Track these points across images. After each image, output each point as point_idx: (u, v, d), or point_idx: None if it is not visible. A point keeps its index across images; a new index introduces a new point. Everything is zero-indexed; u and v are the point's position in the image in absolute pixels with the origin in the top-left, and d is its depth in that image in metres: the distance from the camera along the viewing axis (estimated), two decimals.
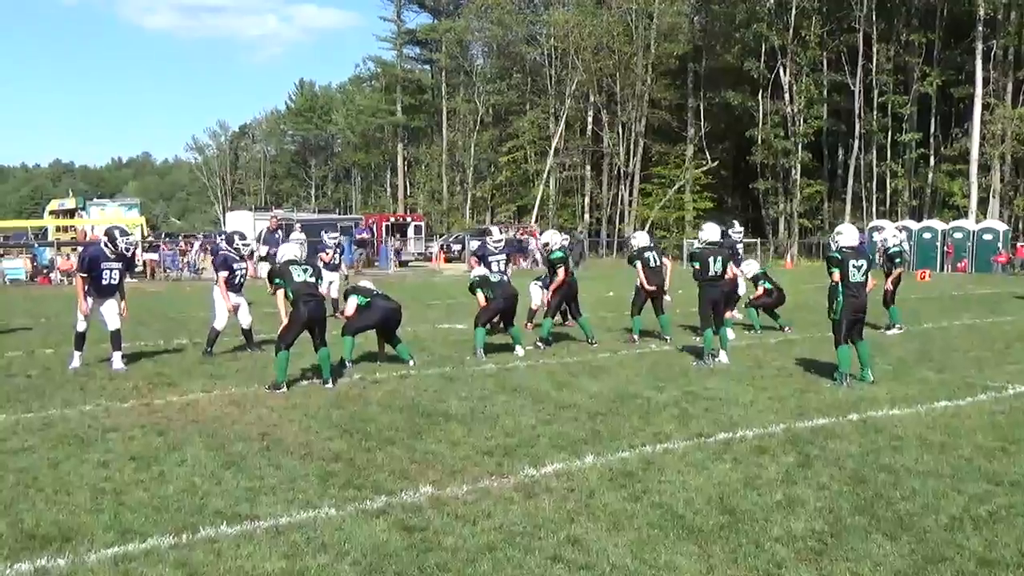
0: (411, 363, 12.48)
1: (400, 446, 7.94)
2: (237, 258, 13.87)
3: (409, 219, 52.31)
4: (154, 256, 37.51)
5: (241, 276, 13.88)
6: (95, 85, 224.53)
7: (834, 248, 11.38)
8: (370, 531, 5.80)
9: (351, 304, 12.74)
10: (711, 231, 13.47)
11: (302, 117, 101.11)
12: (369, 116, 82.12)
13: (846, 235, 11.51)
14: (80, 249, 17.57)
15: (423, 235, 51.53)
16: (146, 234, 41.06)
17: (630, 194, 60.15)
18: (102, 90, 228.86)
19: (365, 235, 45.88)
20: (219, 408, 9.59)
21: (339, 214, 70.58)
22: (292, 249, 11.58)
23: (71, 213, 45.22)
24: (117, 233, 12.53)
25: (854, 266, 11.07)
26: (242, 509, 6.24)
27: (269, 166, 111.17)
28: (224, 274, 13.66)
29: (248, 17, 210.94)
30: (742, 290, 16.27)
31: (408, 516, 6.09)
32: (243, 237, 14.52)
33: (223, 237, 16.05)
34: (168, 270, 37.50)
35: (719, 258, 12.86)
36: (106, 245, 12.36)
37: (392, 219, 51.99)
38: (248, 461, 7.44)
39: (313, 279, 10.95)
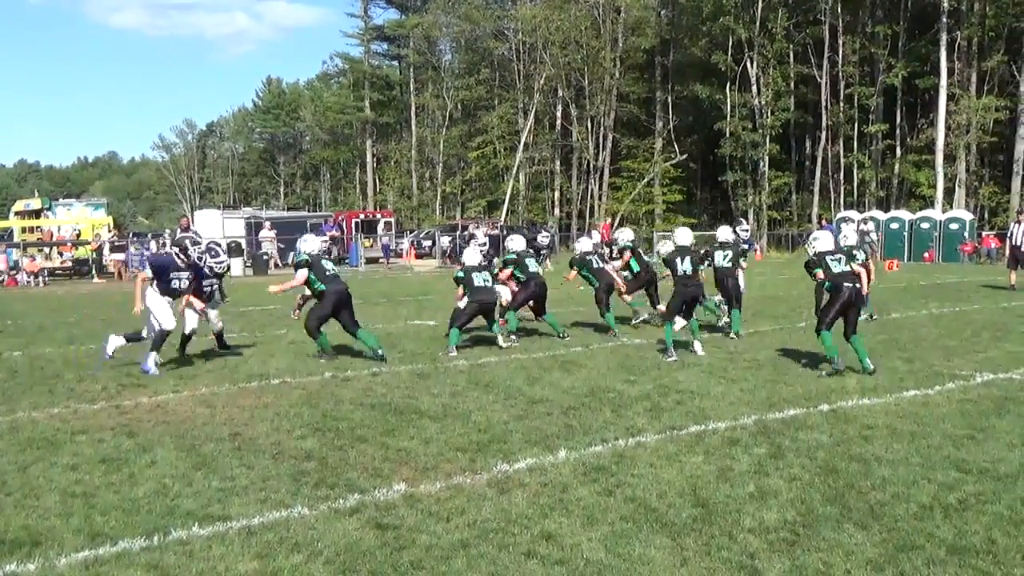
0: (379, 352, 12.58)
1: (373, 444, 7.92)
2: (181, 266, 12.29)
3: (379, 216, 52.07)
4: (120, 256, 37.18)
5: (183, 286, 12.36)
6: (61, 84, 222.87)
7: (811, 253, 11.70)
8: (343, 530, 5.78)
9: (301, 274, 12.78)
10: (682, 236, 13.74)
11: (270, 114, 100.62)
12: (337, 113, 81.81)
13: (822, 241, 11.89)
14: (148, 254, 16.98)
15: (392, 231, 51.36)
16: (112, 234, 40.64)
17: (600, 188, 60.21)
18: (68, 89, 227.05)
19: (334, 232, 45.72)
20: (189, 409, 9.52)
21: (308, 211, 70.33)
22: (315, 243, 13.26)
23: (37, 213, 44.84)
24: (188, 243, 12.39)
25: (832, 260, 11.44)
26: (214, 510, 6.21)
27: (237, 164, 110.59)
28: (147, 273, 12.26)
29: (217, 15, 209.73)
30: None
31: (381, 514, 6.07)
32: (215, 254, 13.51)
33: (169, 241, 15.25)
34: (135, 270, 37.15)
35: (687, 258, 13.14)
36: (178, 256, 12.23)
37: (362, 216, 51.75)
38: (219, 461, 7.39)
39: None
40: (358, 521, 5.94)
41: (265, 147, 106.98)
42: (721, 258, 15.06)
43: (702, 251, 15.04)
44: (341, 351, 13.39)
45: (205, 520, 5.98)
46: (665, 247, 14.60)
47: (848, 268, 11.52)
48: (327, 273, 12.90)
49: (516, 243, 15.49)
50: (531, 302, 14.93)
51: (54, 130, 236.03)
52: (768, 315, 17.06)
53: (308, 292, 13.25)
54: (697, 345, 12.91)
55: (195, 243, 12.75)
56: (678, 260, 13.08)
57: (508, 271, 14.99)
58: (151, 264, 12.46)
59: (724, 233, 15.47)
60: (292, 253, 15.35)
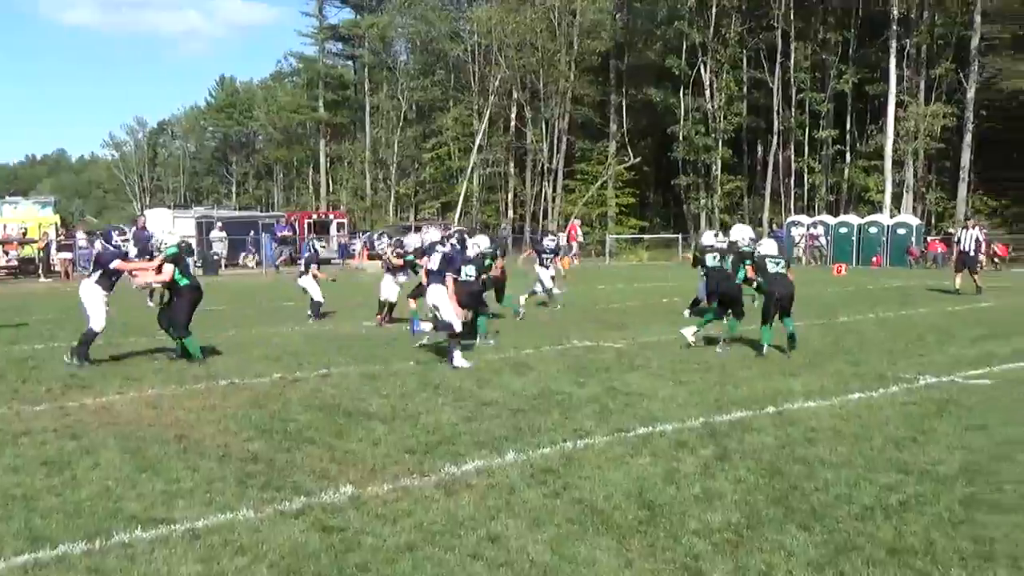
0: (178, 354, 12.60)
1: (320, 446, 7.88)
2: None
3: (332, 216, 51.78)
4: (68, 255, 36.62)
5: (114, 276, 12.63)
6: (10, 81, 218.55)
7: (757, 256, 13.37)
8: (289, 532, 5.75)
9: (167, 270, 12.60)
10: (738, 232, 14.71)
11: (223, 113, 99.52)
12: (291, 112, 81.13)
13: (766, 246, 13.78)
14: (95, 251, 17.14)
15: (346, 232, 51.08)
16: (60, 233, 40.01)
17: (553, 190, 60.29)
18: (17, 86, 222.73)
19: (287, 233, 45.42)
20: (135, 410, 9.41)
21: (261, 211, 69.79)
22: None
23: None
24: (115, 234, 12.87)
25: (772, 261, 13.15)
26: (157, 513, 6.14)
27: (189, 163, 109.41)
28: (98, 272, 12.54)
29: (170, 12, 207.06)
30: None
31: (328, 516, 6.04)
32: (123, 232, 13.59)
33: (100, 235, 15.37)
34: (83, 269, 36.63)
35: (728, 256, 14.24)
36: (104, 245, 12.58)
37: (314, 216, 51.45)
38: (164, 464, 7.32)
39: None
40: (304, 523, 5.91)
41: (217, 146, 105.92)
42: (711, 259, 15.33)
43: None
44: (290, 353, 13.33)
45: (148, 523, 5.91)
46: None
47: (785, 271, 13.20)
48: (190, 269, 13.02)
49: (482, 242, 15.59)
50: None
51: (2, 127, 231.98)
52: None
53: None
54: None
55: (121, 233, 12.91)
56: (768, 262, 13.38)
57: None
58: (97, 259, 12.50)
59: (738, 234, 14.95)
60: (153, 244, 15.18)
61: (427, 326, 13.17)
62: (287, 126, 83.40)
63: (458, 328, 12.53)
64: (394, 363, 12.56)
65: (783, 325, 13.08)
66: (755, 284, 13.47)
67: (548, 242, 21.07)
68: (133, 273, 13.30)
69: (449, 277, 12.82)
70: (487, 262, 15.53)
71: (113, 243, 12.72)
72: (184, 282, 12.67)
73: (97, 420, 8.95)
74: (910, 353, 13.27)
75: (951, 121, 48.47)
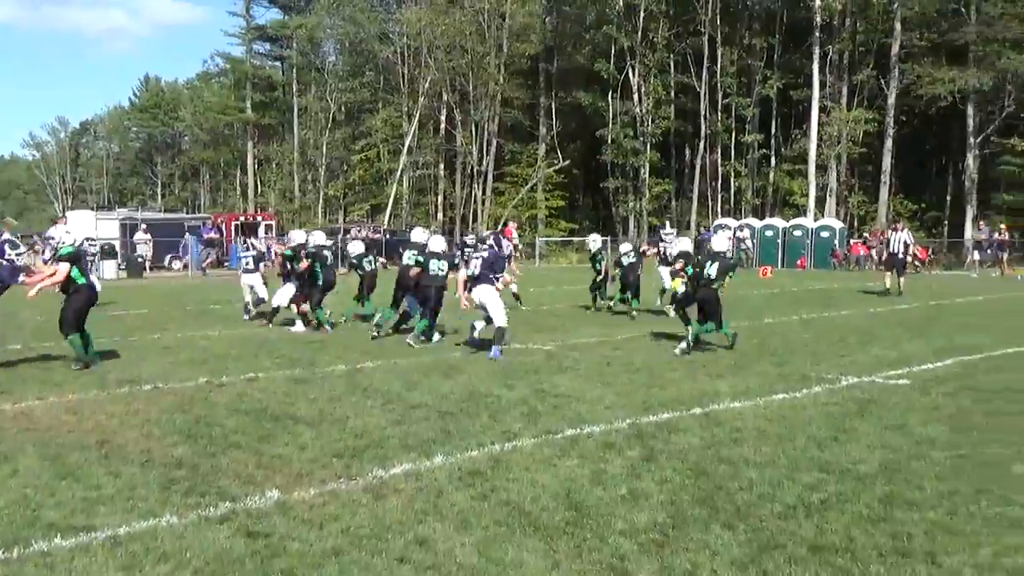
0: (83, 360, 12.29)
1: (246, 450, 7.79)
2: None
3: (259, 218, 51.23)
4: None
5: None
6: None
7: (674, 253, 15.26)
8: (213, 538, 5.66)
9: (63, 269, 12.31)
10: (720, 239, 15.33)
11: (147, 113, 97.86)
12: (218, 113, 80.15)
13: (681, 243, 15.66)
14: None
15: (274, 234, 50.59)
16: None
17: (483, 193, 60.36)
18: None
19: (213, 235, 44.86)
20: (55, 416, 9.20)
21: (187, 213, 68.79)
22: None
23: None
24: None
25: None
26: (78, 520, 6.01)
27: (112, 164, 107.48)
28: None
29: (94, 10, 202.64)
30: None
31: (253, 522, 5.97)
32: (15, 246, 13.29)
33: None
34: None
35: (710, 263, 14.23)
36: None
37: (241, 218, 50.87)
38: (85, 470, 7.16)
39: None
40: (229, 529, 5.83)
41: (142, 147, 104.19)
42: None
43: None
44: (217, 357, 13.17)
45: (68, 531, 5.78)
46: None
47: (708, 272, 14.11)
48: (88, 269, 12.91)
49: (436, 243, 15.70)
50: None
51: None
52: (646, 320, 17.36)
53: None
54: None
55: (14, 246, 12.68)
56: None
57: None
58: None
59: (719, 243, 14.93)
60: (47, 245, 14.99)
61: (480, 324, 14.22)
62: (214, 127, 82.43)
63: (504, 323, 13.66)
64: (322, 366, 12.46)
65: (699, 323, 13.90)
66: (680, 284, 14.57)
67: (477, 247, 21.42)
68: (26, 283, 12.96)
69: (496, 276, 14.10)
70: (456, 261, 15.99)
71: (6, 257, 12.39)
72: (81, 281, 12.42)
73: (15, 426, 8.74)
74: (833, 354, 13.52)
75: (872, 126, 49.62)
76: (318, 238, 17.46)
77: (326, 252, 16.90)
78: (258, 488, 6.68)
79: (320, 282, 16.53)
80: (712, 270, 13.86)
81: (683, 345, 13.61)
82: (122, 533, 5.74)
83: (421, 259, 15.16)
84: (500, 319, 13.59)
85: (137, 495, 6.54)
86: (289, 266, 16.79)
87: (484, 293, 13.71)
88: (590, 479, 6.92)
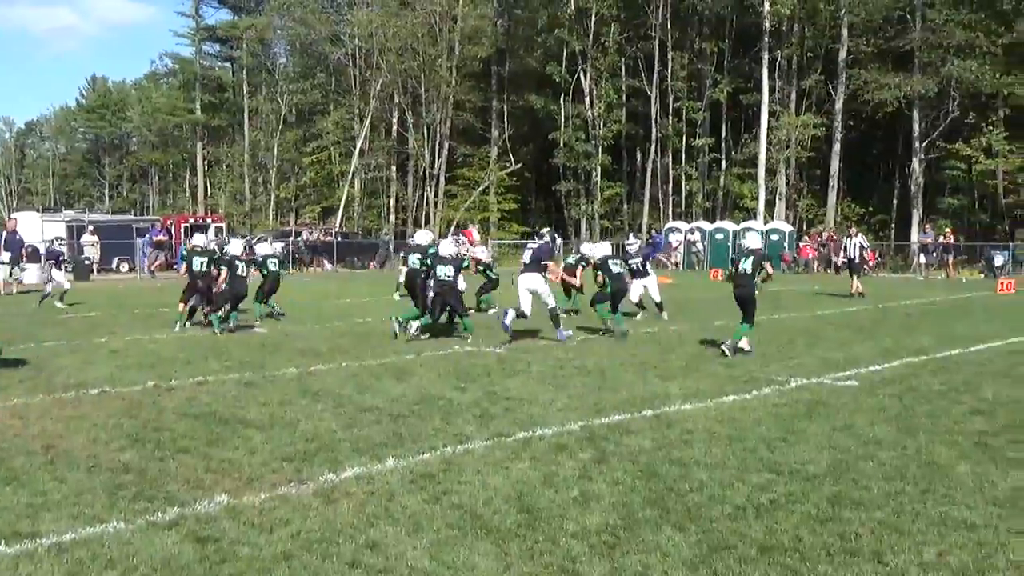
0: None
1: (195, 455, 7.70)
2: None
3: (209, 220, 50.70)
4: None
5: None
6: None
7: (597, 258, 16.40)
8: (161, 544, 5.60)
9: None
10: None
11: (95, 114, 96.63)
12: (167, 114, 79.33)
13: (600, 248, 17.28)
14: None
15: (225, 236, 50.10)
16: None
17: (435, 195, 60.26)
18: None
19: (162, 237, 44.35)
20: None
21: (135, 215, 67.96)
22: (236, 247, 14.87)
23: None
24: None
25: (612, 263, 16.10)
26: (22, 527, 5.92)
27: (59, 165, 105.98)
28: None
29: (41, 8, 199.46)
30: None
31: (202, 527, 5.91)
32: None
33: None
34: None
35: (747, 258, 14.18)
36: None
37: (191, 220, 50.33)
38: (30, 475, 7.05)
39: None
40: (177, 535, 5.76)
41: (89, 148, 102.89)
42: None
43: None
44: (166, 360, 13.03)
45: (12, 538, 5.69)
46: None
47: (623, 270, 16.53)
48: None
49: (445, 247, 16.00)
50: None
51: None
52: (597, 322, 17.41)
53: None
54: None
55: None
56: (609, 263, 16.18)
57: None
58: None
59: (752, 240, 14.78)
60: None
61: (512, 312, 14.79)
62: (162, 128, 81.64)
63: (554, 303, 15.25)
64: (273, 369, 12.36)
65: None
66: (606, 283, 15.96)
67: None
68: None
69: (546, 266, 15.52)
70: (464, 263, 16.34)
71: None
72: None
73: None
74: (782, 356, 13.66)
75: (821, 131, 50.22)
76: (233, 248, 17.71)
77: (238, 263, 17.00)
78: (207, 493, 6.61)
79: (234, 290, 16.81)
80: (748, 264, 13.82)
81: (728, 344, 13.56)
82: (68, 539, 5.65)
83: (428, 263, 15.66)
84: (551, 302, 15.13)
85: (83, 501, 6.44)
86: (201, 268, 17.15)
87: (533, 281, 15.00)
88: (542, 481, 6.93)
